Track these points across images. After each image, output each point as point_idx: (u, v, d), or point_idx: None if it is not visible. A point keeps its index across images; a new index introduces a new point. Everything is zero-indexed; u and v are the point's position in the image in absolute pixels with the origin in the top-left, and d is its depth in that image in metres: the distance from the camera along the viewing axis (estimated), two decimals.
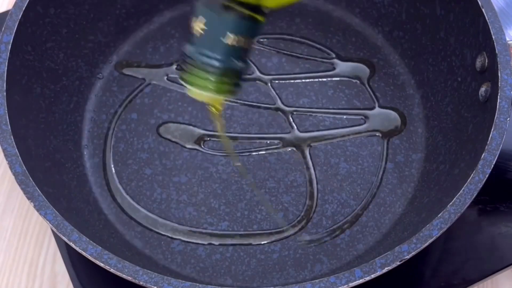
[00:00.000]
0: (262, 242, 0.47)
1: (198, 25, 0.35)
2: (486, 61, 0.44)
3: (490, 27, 0.43)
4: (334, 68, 0.55)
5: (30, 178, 0.39)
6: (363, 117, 0.52)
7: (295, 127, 0.52)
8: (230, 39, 0.35)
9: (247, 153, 0.50)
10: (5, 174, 0.53)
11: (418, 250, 0.36)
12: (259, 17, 0.36)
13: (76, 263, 0.47)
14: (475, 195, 0.38)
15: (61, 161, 0.47)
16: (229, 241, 0.47)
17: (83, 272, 0.47)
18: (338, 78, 0.54)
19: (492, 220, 0.49)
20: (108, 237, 0.45)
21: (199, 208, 0.48)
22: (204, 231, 0.47)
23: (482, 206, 0.49)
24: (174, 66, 0.55)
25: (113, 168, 0.50)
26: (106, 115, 0.52)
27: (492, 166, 0.39)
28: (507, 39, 0.43)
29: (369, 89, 0.53)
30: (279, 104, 0.53)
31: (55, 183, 0.44)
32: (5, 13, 0.57)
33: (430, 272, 0.47)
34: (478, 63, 0.45)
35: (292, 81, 0.54)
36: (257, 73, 0.54)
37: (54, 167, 0.46)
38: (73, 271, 0.47)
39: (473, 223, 0.48)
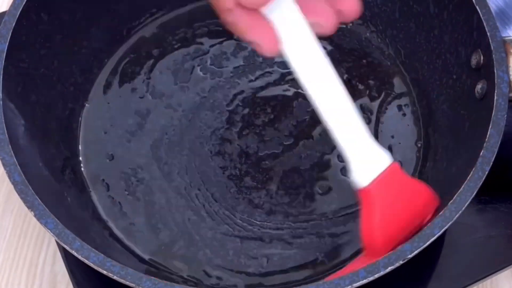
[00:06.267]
0: (263, 244, 0.47)
1: None
2: (481, 58, 0.44)
3: (484, 24, 0.43)
4: None
5: (30, 187, 0.39)
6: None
7: None
8: None
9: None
10: (5, 174, 0.53)
11: (421, 249, 0.36)
12: None
13: (76, 263, 0.47)
14: (475, 192, 0.38)
15: (59, 168, 0.47)
16: (230, 244, 0.47)
17: (83, 272, 0.47)
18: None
19: (492, 220, 0.49)
20: (109, 244, 0.45)
21: (199, 212, 0.48)
22: (204, 235, 0.47)
23: (482, 206, 0.49)
24: None
25: (111, 174, 0.50)
26: (102, 121, 0.52)
27: (491, 163, 0.39)
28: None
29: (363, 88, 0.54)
30: None
31: (54, 191, 0.44)
32: (5, 13, 0.56)
33: (429, 273, 0.47)
34: (473, 61, 0.45)
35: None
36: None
37: (52, 175, 0.46)
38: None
39: (473, 223, 0.48)
